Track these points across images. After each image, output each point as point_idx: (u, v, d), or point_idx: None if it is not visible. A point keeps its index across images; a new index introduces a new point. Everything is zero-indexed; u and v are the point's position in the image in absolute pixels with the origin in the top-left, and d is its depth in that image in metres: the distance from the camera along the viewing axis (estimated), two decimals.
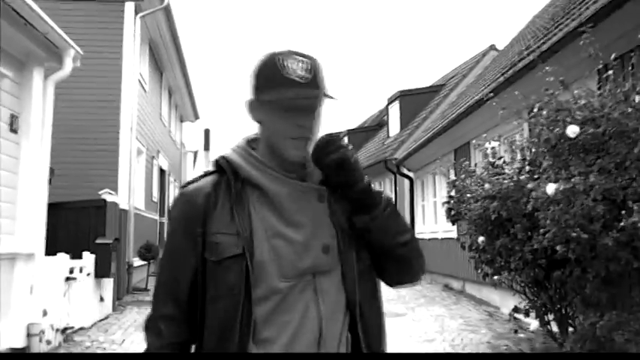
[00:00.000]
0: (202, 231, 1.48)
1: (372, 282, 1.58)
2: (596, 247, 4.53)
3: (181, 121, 23.37)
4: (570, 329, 5.61)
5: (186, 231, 1.50)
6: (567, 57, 5.92)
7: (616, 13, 5.44)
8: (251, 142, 1.59)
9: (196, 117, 24.20)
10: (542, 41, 7.57)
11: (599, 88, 5.35)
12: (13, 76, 6.02)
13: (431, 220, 14.55)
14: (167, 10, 13.55)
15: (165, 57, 16.50)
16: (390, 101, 21.64)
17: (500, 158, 6.28)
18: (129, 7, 12.39)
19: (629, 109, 4.59)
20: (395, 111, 21.14)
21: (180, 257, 1.52)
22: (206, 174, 1.59)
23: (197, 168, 34.25)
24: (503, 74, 8.38)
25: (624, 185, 4.42)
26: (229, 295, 1.43)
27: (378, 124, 27.26)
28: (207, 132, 35.80)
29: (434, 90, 21.68)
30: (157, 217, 16.54)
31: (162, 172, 17.76)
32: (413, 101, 20.79)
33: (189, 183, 1.59)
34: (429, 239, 13.75)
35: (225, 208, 1.49)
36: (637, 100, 4.52)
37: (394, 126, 21.05)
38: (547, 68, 5.02)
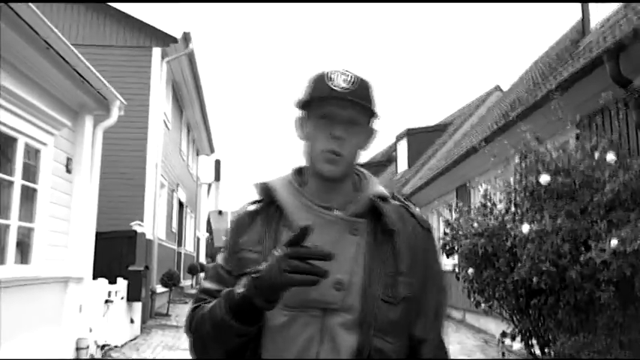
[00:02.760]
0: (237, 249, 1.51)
1: (401, 340, 1.45)
2: (565, 278, 5.39)
3: (197, 155, 24.35)
4: (548, 351, 6.43)
5: (229, 250, 1.55)
6: (546, 114, 6.82)
7: (586, 78, 6.34)
8: (297, 171, 1.59)
9: (212, 151, 25.18)
10: (530, 95, 8.52)
11: (577, 140, 6.26)
12: (69, 124, 7.01)
13: None
14: (190, 55, 14.64)
15: (187, 96, 17.55)
16: (399, 139, 22.56)
17: (490, 200, 7.15)
18: (156, 53, 13.49)
19: (594, 163, 5.50)
20: (403, 148, 22.02)
21: (222, 273, 1.53)
22: (257, 200, 1.60)
23: (210, 199, 35.22)
24: (496, 122, 9.33)
25: (587, 227, 5.30)
26: None
27: (388, 159, 28.12)
28: (217, 163, 36.35)
29: (440, 129, 22.54)
30: (175, 247, 17.46)
31: (181, 204, 18.72)
32: (420, 139, 21.59)
33: (244, 205, 1.63)
34: None
35: (257, 229, 1.50)
36: (597, 156, 5.42)
37: (402, 162, 21.94)
38: (522, 127, 5.94)
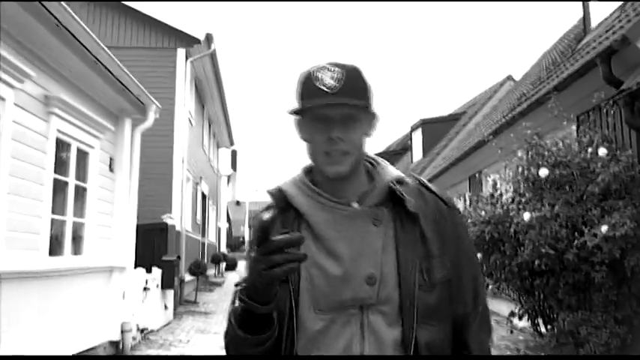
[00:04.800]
0: None
1: (445, 322, 1.43)
2: (563, 261, 5.98)
3: (218, 148, 25.00)
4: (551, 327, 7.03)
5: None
6: (548, 110, 7.38)
7: (582, 78, 6.88)
8: (307, 170, 1.54)
9: (232, 143, 25.87)
10: (535, 91, 9.08)
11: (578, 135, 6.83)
12: (112, 128, 7.73)
13: None
14: (213, 54, 15.31)
15: (208, 92, 18.21)
16: (413, 129, 23.08)
17: (497, 190, 7.73)
18: (180, 54, 14.17)
19: (589, 156, 6.08)
20: (418, 138, 22.52)
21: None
22: (270, 206, 1.54)
23: (230, 189, 36.03)
24: (505, 117, 9.90)
25: (582, 214, 5.89)
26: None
27: (403, 147, 28.61)
28: (234, 153, 36.98)
29: (454, 118, 22.99)
30: (200, 238, 18.22)
31: (204, 196, 19.46)
32: (434, 129, 22.05)
33: (260, 212, 1.53)
34: None
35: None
36: (590, 150, 6.00)
37: (417, 152, 22.47)
38: (525, 124, 6.53)
